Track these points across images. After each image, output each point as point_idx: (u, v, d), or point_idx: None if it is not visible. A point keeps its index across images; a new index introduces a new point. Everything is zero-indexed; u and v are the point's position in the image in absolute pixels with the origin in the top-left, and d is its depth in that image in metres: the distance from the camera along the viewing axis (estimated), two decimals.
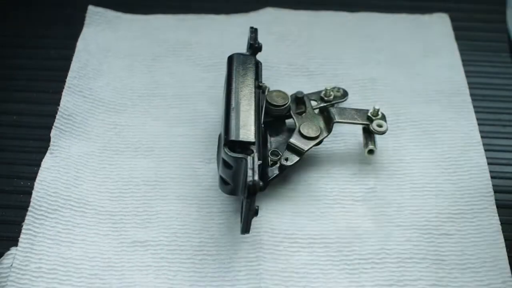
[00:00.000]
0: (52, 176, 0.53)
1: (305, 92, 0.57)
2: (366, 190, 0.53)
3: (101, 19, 0.66)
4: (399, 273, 0.48)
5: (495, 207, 0.52)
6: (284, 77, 0.61)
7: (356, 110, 0.55)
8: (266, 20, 0.65)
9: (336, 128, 0.56)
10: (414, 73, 0.62)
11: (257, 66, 0.54)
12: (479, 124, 0.58)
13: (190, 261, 0.49)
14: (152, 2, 0.68)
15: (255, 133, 0.48)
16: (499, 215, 0.52)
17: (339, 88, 0.58)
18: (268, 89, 0.55)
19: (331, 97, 0.57)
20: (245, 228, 0.47)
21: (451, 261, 0.49)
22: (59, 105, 0.58)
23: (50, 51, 0.63)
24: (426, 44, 0.64)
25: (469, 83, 0.61)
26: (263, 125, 0.52)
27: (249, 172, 0.45)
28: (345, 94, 0.58)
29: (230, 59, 0.54)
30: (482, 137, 0.57)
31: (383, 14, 0.67)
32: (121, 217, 0.51)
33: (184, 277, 0.48)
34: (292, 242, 0.50)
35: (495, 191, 0.53)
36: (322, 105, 0.57)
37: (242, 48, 0.57)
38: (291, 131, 0.54)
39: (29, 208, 0.51)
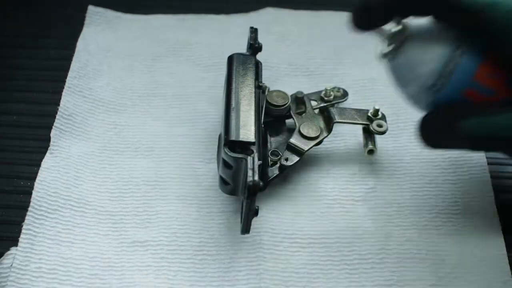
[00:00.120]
0: (52, 176, 0.53)
1: (305, 92, 0.57)
2: (366, 190, 0.53)
3: (101, 19, 0.66)
4: (399, 273, 0.48)
5: (495, 207, 0.52)
6: (284, 77, 0.61)
7: (356, 110, 0.55)
8: (266, 20, 0.65)
9: (336, 128, 0.56)
10: None
11: (257, 66, 0.54)
12: None
13: (190, 261, 0.49)
14: (152, 2, 0.68)
15: (255, 133, 0.48)
16: (499, 215, 0.52)
17: (339, 88, 0.58)
18: (268, 89, 0.55)
19: (331, 97, 0.57)
20: (245, 228, 0.47)
21: (451, 261, 0.49)
22: (59, 105, 0.58)
23: (50, 51, 0.63)
24: None
25: None
26: (263, 125, 0.52)
27: (249, 172, 0.45)
28: (345, 94, 0.58)
29: (230, 59, 0.54)
30: None
31: None
32: (121, 217, 0.51)
33: (184, 277, 0.48)
34: (292, 242, 0.50)
35: (495, 191, 0.53)
36: (322, 105, 0.57)
37: (242, 48, 0.57)
38: (291, 131, 0.54)
39: (29, 208, 0.51)
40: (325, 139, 0.54)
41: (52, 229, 0.50)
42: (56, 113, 0.57)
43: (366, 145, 0.54)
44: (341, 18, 0.66)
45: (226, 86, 0.53)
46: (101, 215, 0.52)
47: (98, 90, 0.60)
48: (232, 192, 0.50)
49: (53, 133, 0.56)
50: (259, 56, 0.55)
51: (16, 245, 0.49)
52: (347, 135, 0.57)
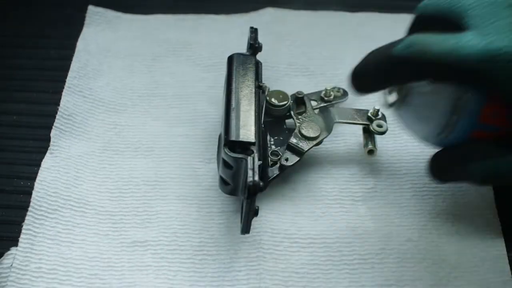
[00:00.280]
0: (52, 176, 0.53)
1: (305, 92, 0.57)
2: (366, 190, 0.53)
3: (101, 19, 0.66)
4: (399, 273, 0.48)
5: (495, 207, 0.52)
6: (284, 77, 0.61)
7: (356, 110, 0.55)
8: (266, 20, 0.65)
9: (336, 128, 0.56)
10: None
11: (257, 66, 0.54)
12: None
13: (190, 261, 0.49)
14: (152, 2, 0.68)
15: (255, 133, 0.48)
16: (499, 215, 0.52)
17: (339, 88, 0.58)
18: (268, 89, 0.55)
19: (331, 97, 0.57)
20: (245, 228, 0.47)
21: (451, 261, 0.49)
22: (59, 105, 0.58)
23: (50, 51, 0.63)
24: None
25: None
26: (263, 125, 0.52)
27: (249, 173, 0.45)
28: (345, 94, 0.58)
29: (230, 59, 0.54)
30: None
31: (383, 14, 0.67)
32: (121, 217, 0.51)
33: (184, 277, 0.48)
34: (292, 242, 0.50)
35: (495, 191, 0.53)
36: (322, 105, 0.57)
37: (242, 48, 0.56)
38: (291, 131, 0.54)
39: (29, 208, 0.51)
40: (325, 139, 0.54)
41: (52, 229, 0.50)
42: (56, 113, 0.57)
43: (366, 145, 0.54)
44: (341, 18, 0.67)
45: (226, 86, 0.53)
46: (101, 215, 0.52)
47: (98, 90, 0.60)
48: (232, 192, 0.50)
49: (53, 133, 0.56)
50: (259, 56, 0.55)
51: (16, 245, 0.49)
52: (347, 135, 0.57)
